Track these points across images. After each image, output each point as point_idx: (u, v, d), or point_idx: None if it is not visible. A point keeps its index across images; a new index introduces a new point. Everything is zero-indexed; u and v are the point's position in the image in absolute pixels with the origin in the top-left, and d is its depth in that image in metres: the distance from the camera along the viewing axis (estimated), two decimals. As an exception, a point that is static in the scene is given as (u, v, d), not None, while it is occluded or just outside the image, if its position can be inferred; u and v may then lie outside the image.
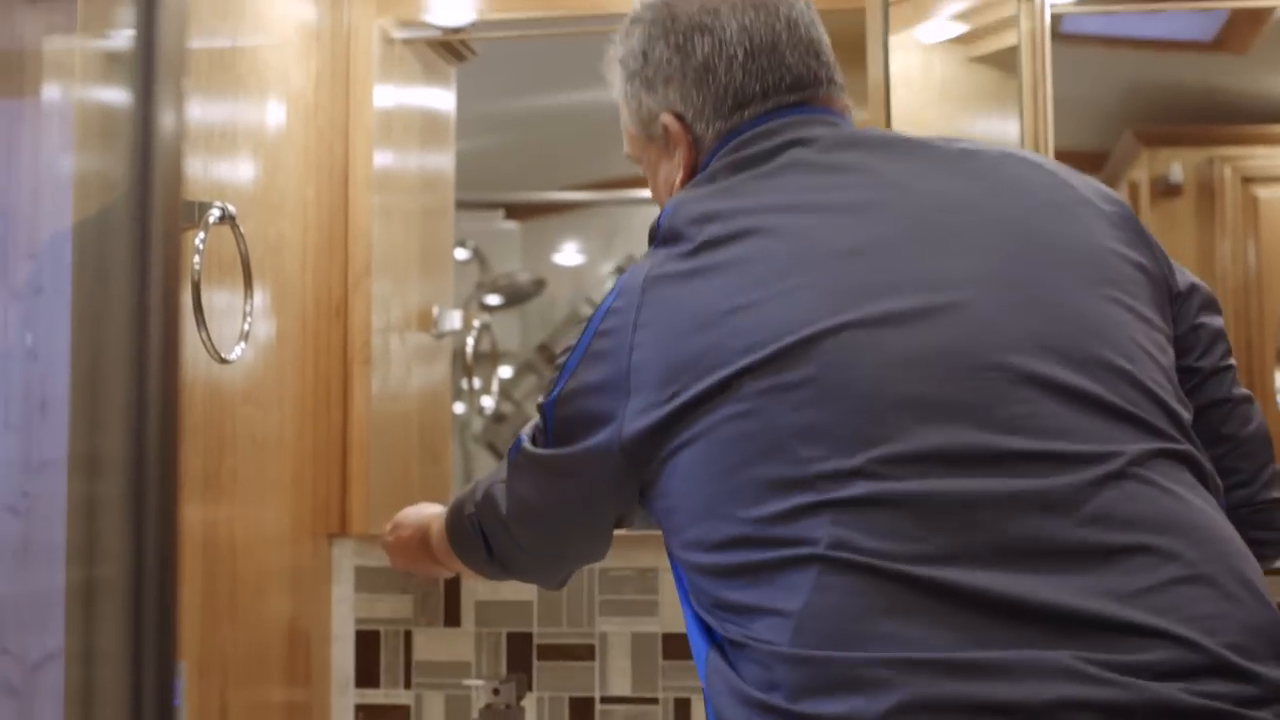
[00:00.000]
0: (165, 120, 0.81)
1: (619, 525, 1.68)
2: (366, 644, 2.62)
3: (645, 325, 1.46)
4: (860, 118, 2.40)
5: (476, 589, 2.58)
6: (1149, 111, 2.62)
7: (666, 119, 1.64)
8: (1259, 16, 2.49)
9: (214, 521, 2.17)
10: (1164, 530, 1.31)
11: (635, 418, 1.45)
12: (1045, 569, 1.28)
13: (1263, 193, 2.55)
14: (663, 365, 1.44)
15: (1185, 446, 1.39)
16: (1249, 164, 2.56)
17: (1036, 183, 1.50)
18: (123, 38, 0.87)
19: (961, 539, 1.30)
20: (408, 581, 2.59)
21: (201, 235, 2.01)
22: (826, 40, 1.66)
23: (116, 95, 0.89)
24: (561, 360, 1.57)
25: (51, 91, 2.56)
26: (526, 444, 1.65)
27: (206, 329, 2.00)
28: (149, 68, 0.83)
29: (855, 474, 1.32)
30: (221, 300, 2.14)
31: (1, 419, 2.49)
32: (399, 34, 2.63)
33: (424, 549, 2.12)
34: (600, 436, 1.50)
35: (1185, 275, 1.55)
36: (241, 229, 2.12)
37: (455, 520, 1.92)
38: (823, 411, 1.35)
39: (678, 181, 1.64)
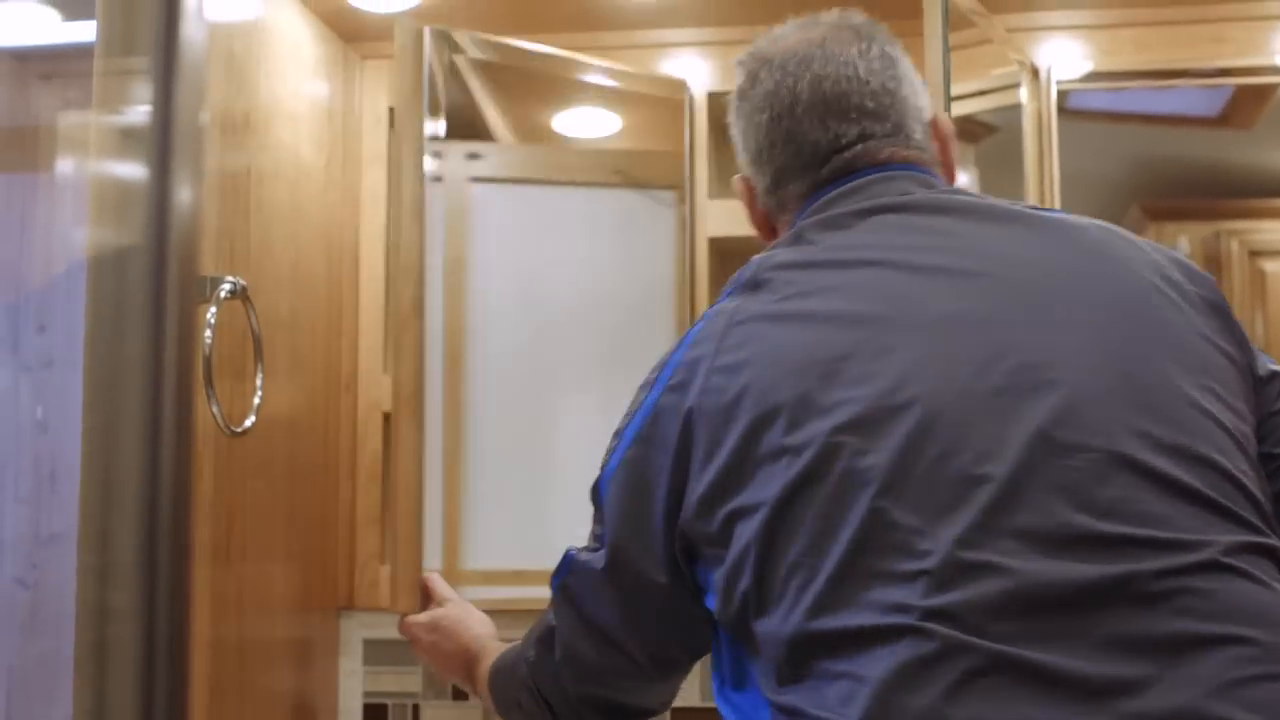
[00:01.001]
0: (181, 196, 0.82)
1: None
2: (374, 718, 2.61)
3: (725, 369, 1.40)
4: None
5: (484, 663, 2.57)
6: (1155, 186, 2.63)
7: (737, 181, 1.66)
8: (1264, 93, 2.50)
9: (223, 594, 2.16)
10: (1256, 622, 1.27)
11: (702, 467, 1.39)
12: (1136, 656, 1.24)
13: (1269, 266, 2.56)
14: (741, 406, 1.37)
15: (1271, 540, 1.35)
16: (1255, 237, 2.57)
17: (1135, 260, 1.45)
18: (139, 114, 0.88)
19: (1054, 622, 1.25)
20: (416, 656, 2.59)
21: (213, 310, 2.02)
22: (910, 79, 1.62)
23: (132, 170, 0.90)
24: (620, 426, 1.50)
25: (66, 166, 2.58)
26: (581, 556, 1.56)
27: (217, 402, 2.01)
28: (165, 143, 0.84)
29: (951, 546, 1.27)
30: (232, 373, 2.14)
31: (11, 492, 2.50)
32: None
33: (467, 679, 2.00)
34: (663, 495, 1.43)
35: (1265, 361, 1.51)
36: (253, 303, 2.13)
37: (506, 683, 1.78)
38: (919, 481, 1.30)
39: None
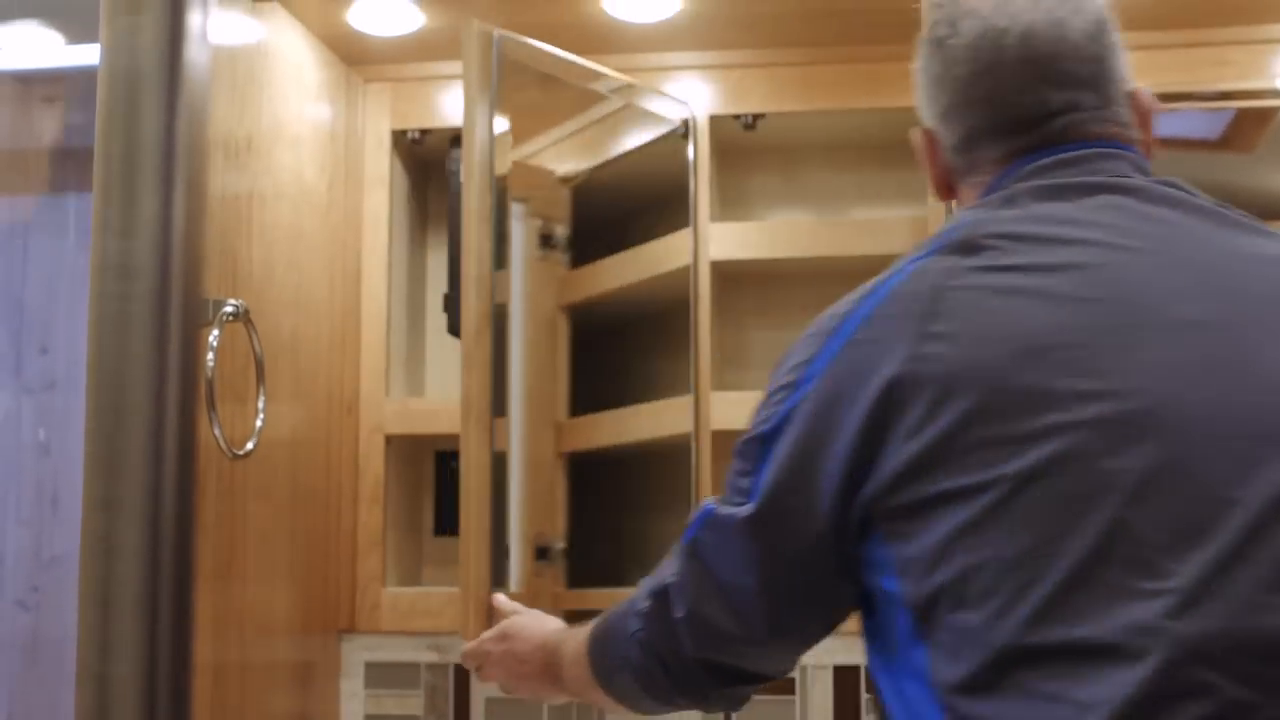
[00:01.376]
0: (184, 219, 0.83)
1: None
2: (375, 741, 2.60)
3: (942, 337, 1.29)
4: (917, 213, 2.42)
5: (487, 685, 2.56)
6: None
7: (917, 133, 1.55)
8: (1264, 116, 2.51)
9: (224, 615, 2.16)
10: None
11: (905, 439, 1.27)
12: None
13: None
14: (960, 382, 1.26)
15: None
16: (1256, 261, 2.57)
17: None
18: (144, 137, 0.88)
19: None
20: (417, 678, 2.58)
21: (215, 332, 2.02)
22: (1118, 48, 1.49)
23: (136, 194, 0.90)
24: (791, 378, 1.38)
25: (70, 188, 2.59)
26: (722, 510, 1.43)
27: (219, 425, 2.01)
28: (168, 167, 0.84)
29: (1200, 570, 1.18)
30: (234, 395, 2.14)
31: (13, 514, 2.50)
32: (412, 134, 2.66)
33: (547, 674, 1.85)
34: (843, 455, 1.31)
35: None
36: (255, 325, 2.13)
37: (609, 644, 1.64)
38: (1168, 496, 1.21)
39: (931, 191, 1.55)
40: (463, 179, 2.18)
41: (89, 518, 0.96)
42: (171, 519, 0.85)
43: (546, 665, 1.83)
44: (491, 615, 2.05)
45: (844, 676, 2.48)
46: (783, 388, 1.38)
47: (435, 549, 2.75)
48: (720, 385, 2.56)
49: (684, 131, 2.54)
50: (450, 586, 2.65)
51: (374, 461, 2.59)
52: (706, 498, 1.49)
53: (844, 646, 2.47)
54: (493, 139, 2.19)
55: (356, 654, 2.61)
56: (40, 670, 2.41)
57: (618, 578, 2.36)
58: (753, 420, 1.41)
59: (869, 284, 1.39)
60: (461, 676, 2.57)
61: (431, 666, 2.59)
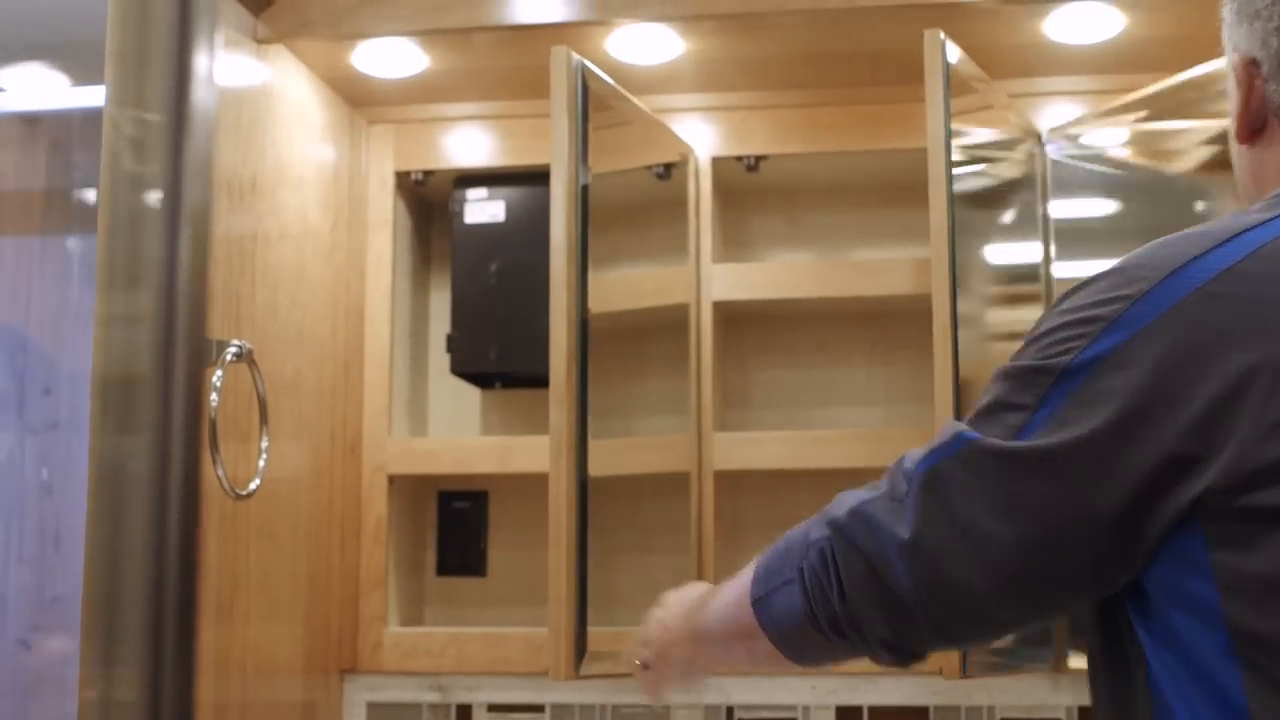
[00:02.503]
0: (189, 261, 0.83)
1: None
2: (377, 782, 2.60)
3: None
4: (919, 254, 2.42)
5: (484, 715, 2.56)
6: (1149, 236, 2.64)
7: (1238, 63, 1.34)
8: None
9: (226, 655, 2.16)
10: None
11: (1267, 436, 1.09)
12: None
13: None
14: None
15: None
16: None
17: None
18: (149, 180, 0.89)
19: None
20: (419, 718, 2.58)
21: (219, 373, 2.03)
22: None
23: (140, 235, 0.90)
24: (1106, 312, 1.18)
25: (74, 230, 2.60)
26: (988, 441, 1.21)
27: (222, 465, 2.01)
28: (174, 209, 0.85)
29: None
30: (237, 435, 2.15)
31: (15, 553, 2.50)
32: (416, 175, 2.67)
33: (690, 630, 1.57)
34: (1175, 436, 1.12)
35: None
36: (258, 366, 2.14)
37: (782, 557, 1.40)
38: None
39: (1232, 132, 1.35)
40: (553, 210, 2.21)
41: (91, 558, 0.96)
42: (175, 560, 0.85)
43: (689, 617, 1.55)
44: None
45: (847, 717, 2.47)
46: (1090, 320, 1.18)
47: (438, 589, 2.75)
48: (722, 425, 2.56)
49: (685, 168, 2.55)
50: (453, 627, 2.66)
51: (376, 501, 2.60)
52: (951, 422, 1.26)
53: (846, 686, 2.47)
54: (580, 170, 2.21)
55: (359, 694, 2.61)
56: (43, 709, 2.41)
57: (607, 617, 2.36)
58: (1030, 344, 1.22)
59: (1208, 230, 1.20)
60: (464, 716, 2.57)
61: (434, 707, 2.58)
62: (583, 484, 2.24)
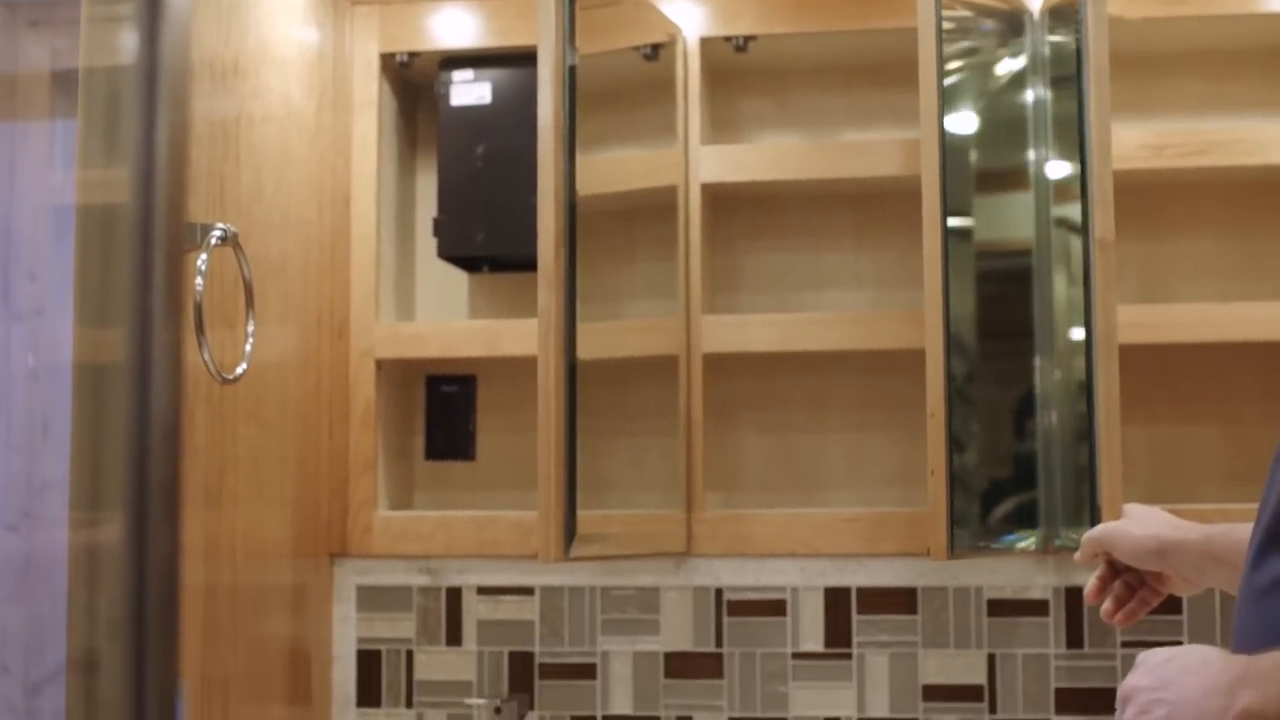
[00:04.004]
0: (168, 143, 0.82)
1: None
2: (368, 663, 2.62)
3: None
4: (909, 135, 2.41)
5: (479, 607, 2.58)
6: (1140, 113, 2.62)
7: None
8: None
9: (215, 541, 2.17)
10: None
11: None
12: None
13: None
14: None
15: None
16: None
17: None
18: (126, 61, 0.87)
19: None
20: (410, 601, 2.60)
21: (204, 257, 2.02)
22: None
23: (119, 118, 0.89)
24: None
25: (54, 114, 2.57)
26: None
27: (209, 349, 2.01)
28: (152, 91, 0.83)
29: None
30: (223, 320, 2.14)
31: (3, 440, 2.50)
32: (401, 57, 2.64)
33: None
34: None
35: None
36: (243, 249, 2.13)
37: None
38: None
39: None
40: (540, 91, 2.19)
41: (77, 444, 0.95)
42: (160, 442, 0.84)
43: (1240, 682, 1.21)
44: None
45: (835, 597, 2.49)
46: None
47: (427, 473, 2.75)
48: (710, 309, 2.55)
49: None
50: (442, 510, 2.67)
51: (365, 385, 2.59)
52: None
53: (835, 568, 2.49)
54: (567, 51, 2.19)
55: (349, 577, 2.62)
56: (31, 595, 2.42)
57: (596, 500, 2.37)
58: None
59: None
60: (453, 599, 2.58)
61: (423, 590, 2.60)
62: (571, 367, 2.24)
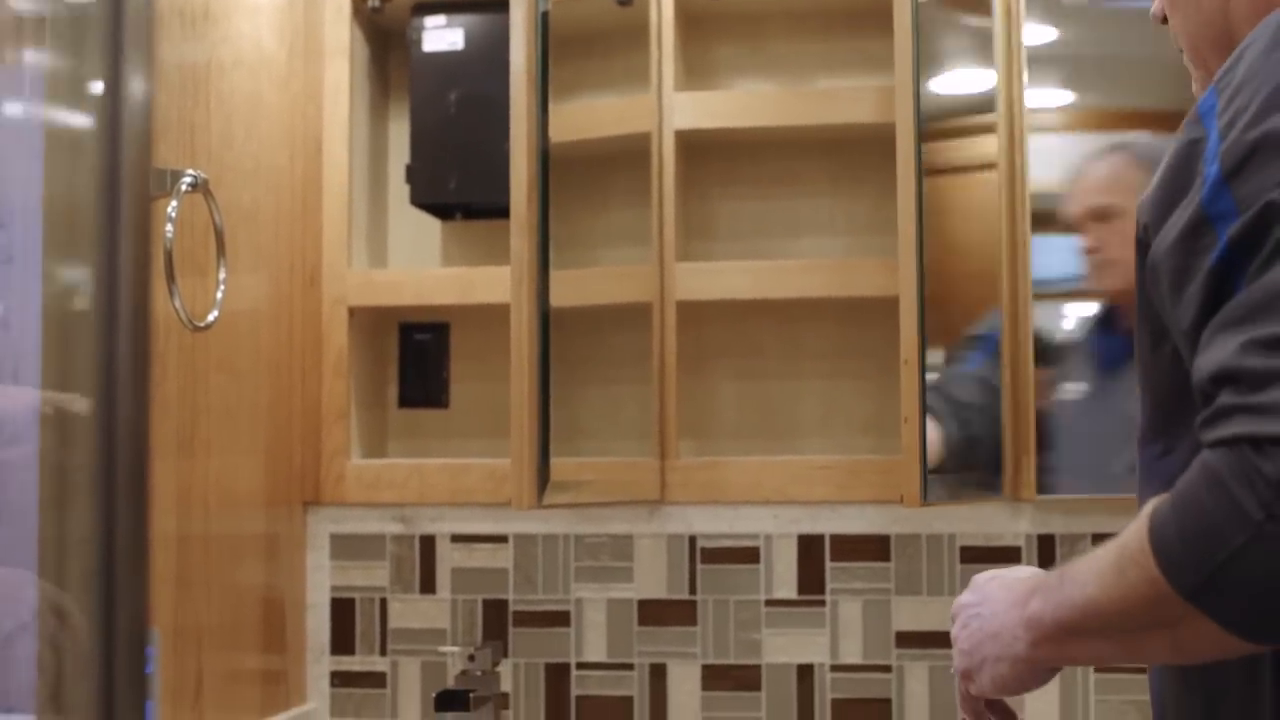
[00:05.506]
0: (134, 88, 0.81)
1: None
2: (342, 611, 2.62)
3: None
4: (883, 83, 2.40)
5: (452, 555, 2.58)
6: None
7: None
8: None
9: (187, 488, 2.16)
10: None
11: None
12: None
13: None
14: None
15: None
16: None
17: None
18: (92, 2, 0.86)
19: None
20: (383, 549, 2.59)
21: (174, 204, 2.00)
22: None
23: (86, 62, 0.88)
24: None
25: (20, 57, 2.55)
26: None
27: (179, 296, 1.99)
28: (117, 34, 0.82)
29: None
30: (195, 268, 2.13)
31: (-26, 387, 2.48)
32: (372, 2, 2.62)
33: (1031, 614, 1.26)
34: None
35: None
36: (214, 196, 2.11)
37: (1209, 510, 1.04)
38: None
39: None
40: (513, 37, 2.19)
41: (46, 391, 0.95)
42: (128, 392, 0.84)
43: (1034, 591, 1.26)
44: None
45: (809, 545, 2.49)
46: None
47: (400, 421, 2.75)
48: (684, 256, 2.55)
49: (648, -1, 2.51)
50: (415, 458, 2.66)
51: (337, 333, 2.58)
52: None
53: (809, 515, 2.49)
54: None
55: (322, 526, 2.62)
56: (1, 546, 2.41)
57: (569, 447, 2.37)
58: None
59: None
60: (427, 547, 2.58)
61: (397, 538, 2.60)
62: (544, 315, 2.23)
